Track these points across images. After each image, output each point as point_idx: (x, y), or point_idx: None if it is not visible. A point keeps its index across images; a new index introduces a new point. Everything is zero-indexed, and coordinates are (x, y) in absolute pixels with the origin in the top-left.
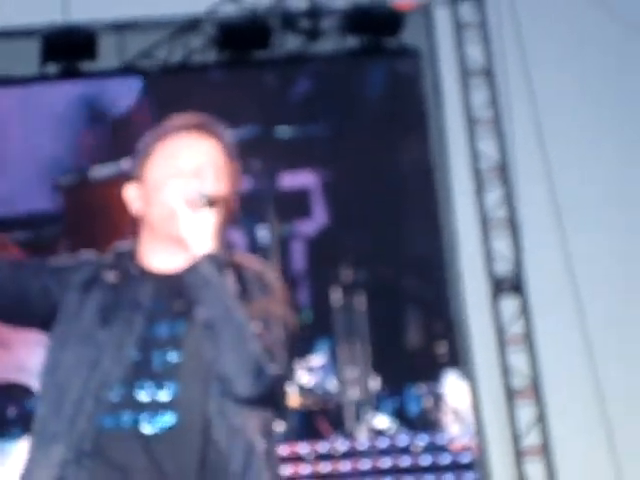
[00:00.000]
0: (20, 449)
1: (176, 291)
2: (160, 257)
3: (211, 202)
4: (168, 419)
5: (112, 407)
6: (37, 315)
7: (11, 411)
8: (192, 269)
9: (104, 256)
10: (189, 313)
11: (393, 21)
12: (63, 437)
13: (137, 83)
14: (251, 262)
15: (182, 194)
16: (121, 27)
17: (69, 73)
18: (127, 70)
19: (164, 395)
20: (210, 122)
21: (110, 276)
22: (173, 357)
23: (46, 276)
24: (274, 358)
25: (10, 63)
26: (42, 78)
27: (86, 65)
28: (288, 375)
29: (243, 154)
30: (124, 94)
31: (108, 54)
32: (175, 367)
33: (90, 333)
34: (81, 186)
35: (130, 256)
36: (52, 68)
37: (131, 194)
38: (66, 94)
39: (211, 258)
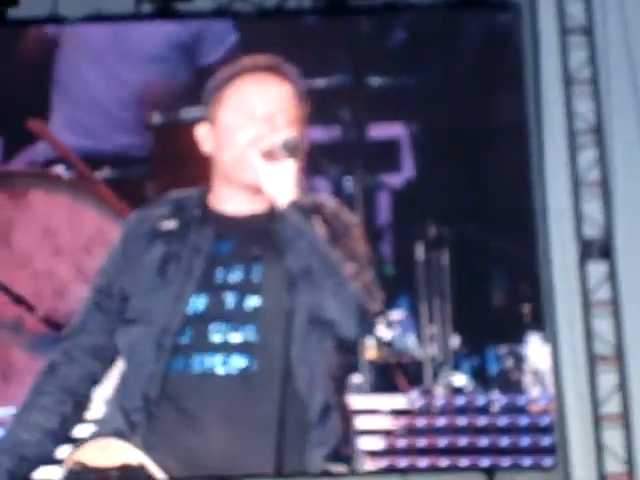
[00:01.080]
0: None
1: (251, 235)
2: (231, 201)
3: (291, 152)
4: (244, 362)
5: (181, 350)
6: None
7: None
8: (279, 218)
9: (160, 205)
10: (268, 258)
11: None
12: (131, 386)
13: (231, 29)
14: (327, 201)
15: (255, 142)
16: None
17: (164, 13)
18: (221, 12)
19: (240, 337)
20: (281, 64)
21: (169, 224)
22: (251, 301)
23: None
24: (372, 296)
25: (105, 1)
26: (136, 17)
27: (181, 5)
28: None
29: (333, 102)
30: (219, 39)
31: None
32: (254, 311)
33: (150, 284)
34: (171, 127)
35: (193, 201)
36: (147, 7)
37: (202, 134)
38: (162, 35)
39: (297, 206)
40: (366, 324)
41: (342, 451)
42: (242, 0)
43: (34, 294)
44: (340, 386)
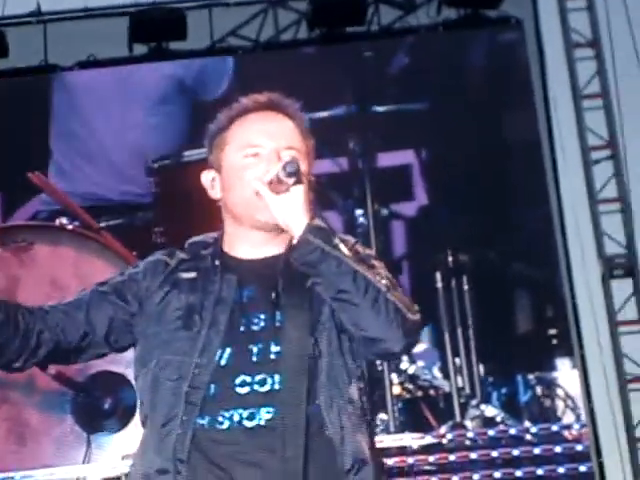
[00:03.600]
0: (116, 443)
1: (270, 280)
2: (245, 244)
3: (295, 176)
4: (271, 413)
5: (207, 404)
6: (125, 336)
7: (107, 403)
8: (299, 247)
9: (178, 253)
10: (288, 302)
11: None
12: (156, 446)
13: (229, 64)
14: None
15: (263, 177)
16: (210, 5)
17: (158, 54)
18: (216, 50)
19: (267, 387)
20: (281, 100)
21: (189, 274)
22: (274, 348)
23: (113, 297)
24: (410, 307)
25: (99, 45)
26: (131, 60)
27: (175, 45)
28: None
29: (339, 134)
30: (217, 76)
31: (197, 34)
32: (278, 359)
33: (172, 335)
34: (175, 169)
35: (210, 248)
36: (141, 49)
37: (208, 180)
38: (159, 76)
39: (316, 229)
40: (411, 336)
41: None
42: (236, 36)
43: None
44: (370, 429)
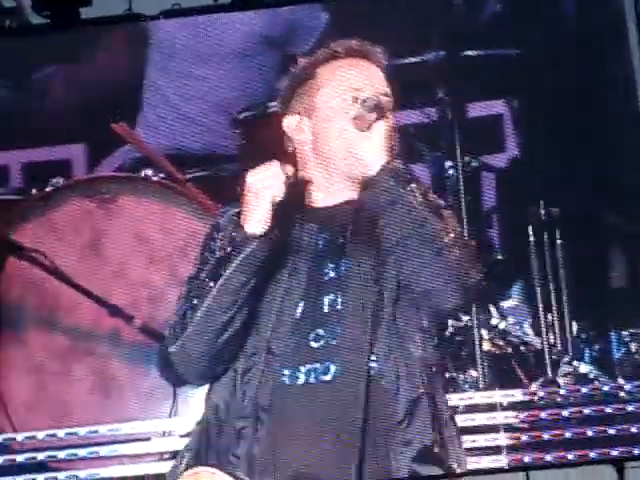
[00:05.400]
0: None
1: (340, 226)
2: (324, 193)
3: (375, 111)
4: (334, 367)
5: (287, 359)
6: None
7: None
8: (372, 186)
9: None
10: (355, 249)
11: None
12: (235, 393)
13: (321, 18)
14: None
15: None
16: None
17: (244, 2)
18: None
19: (333, 341)
20: (370, 47)
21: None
22: (340, 299)
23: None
24: (472, 265)
25: None
26: (216, 8)
27: None
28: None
29: (427, 82)
30: (308, 30)
31: None
32: (343, 310)
33: (253, 289)
34: (261, 120)
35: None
36: None
37: (292, 124)
38: (245, 27)
39: (392, 170)
40: (466, 296)
41: (433, 451)
42: None
43: (130, 304)
44: (433, 380)
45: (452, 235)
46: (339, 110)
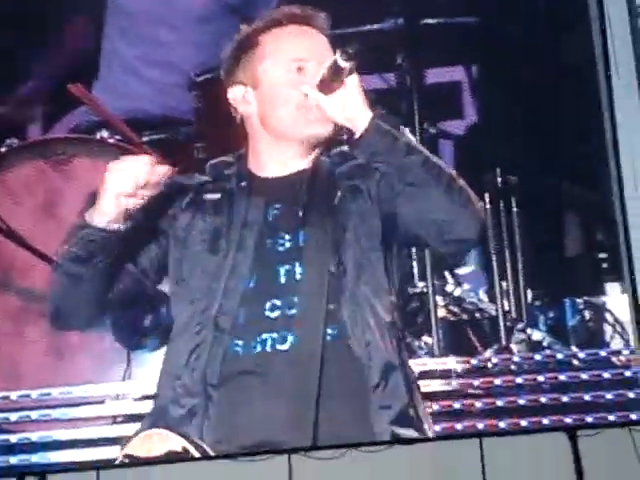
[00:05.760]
0: (156, 361)
1: (294, 197)
2: (275, 163)
3: (355, 59)
4: (295, 335)
5: (238, 330)
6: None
7: (148, 320)
8: (371, 132)
9: (197, 175)
10: (312, 220)
11: None
12: (184, 369)
13: None
14: None
15: (310, 83)
16: None
17: None
18: None
19: (293, 310)
20: (313, 14)
21: (213, 195)
22: (299, 269)
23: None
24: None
25: None
26: None
27: None
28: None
29: (387, 48)
30: None
31: None
32: (302, 279)
33: (199, 259)
34: (217, 84)
35: (234, 168)
36: None
37: (237, 95)
38: None
39: (384, 116)
40: (482, 222)
41: (409, 414)
42: None
43: None
44: (400, 344)
45: (452, 169)
46: (285, 80)
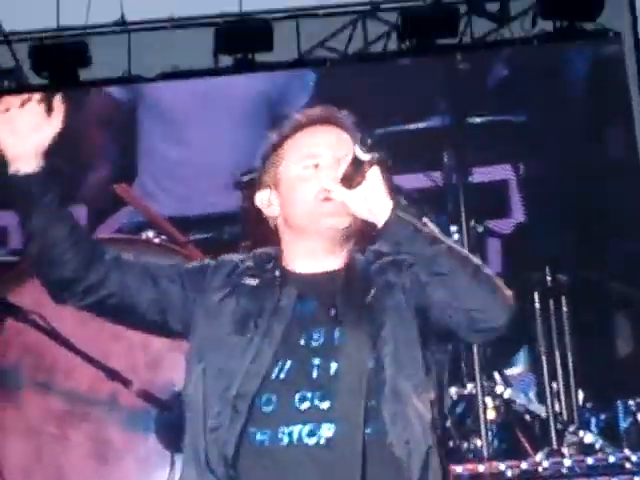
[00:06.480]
0: None
1: (330, 295)
2: (305, 258)
3: (376, 150)
4: (332, 430)
5: (265, 420)
6: (176, 320)
7: None
8: (392, 223)
9: (244, 259)
10: (348, 319)
11: (591, 4)
12: (204, 448)
13: (310, 77)
14: None
15: (330, 178)
16: (297, 16)
17: (244, 65)
18: (303, 62)
19: (327, 404)
20: (336, 113)
21: (251, 280)
22: (334, 365)
23: (183, 279)
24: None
25: (183, 56)
26: (216, 71)
27: (261, 56)
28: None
29: (433, 146)
30: (298, 89)
31: (284, 45)
32: (338, 376)
33: (225, 339)
34: None
35: (272, 260)
36: (226, 60)
37: (264, 200)
38: (245, 90)
39: (404, 207)
40: (510, 311)
41: None
42: (324, 48)
43: (129, 368)
44: (440, 443)
45: (499, 268)
46: (301, 177)
